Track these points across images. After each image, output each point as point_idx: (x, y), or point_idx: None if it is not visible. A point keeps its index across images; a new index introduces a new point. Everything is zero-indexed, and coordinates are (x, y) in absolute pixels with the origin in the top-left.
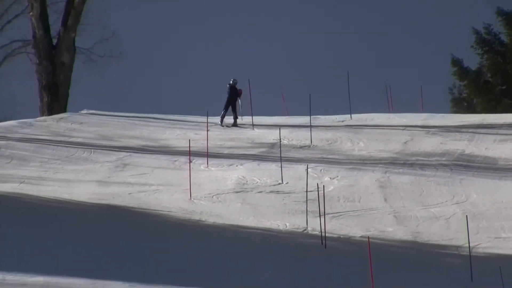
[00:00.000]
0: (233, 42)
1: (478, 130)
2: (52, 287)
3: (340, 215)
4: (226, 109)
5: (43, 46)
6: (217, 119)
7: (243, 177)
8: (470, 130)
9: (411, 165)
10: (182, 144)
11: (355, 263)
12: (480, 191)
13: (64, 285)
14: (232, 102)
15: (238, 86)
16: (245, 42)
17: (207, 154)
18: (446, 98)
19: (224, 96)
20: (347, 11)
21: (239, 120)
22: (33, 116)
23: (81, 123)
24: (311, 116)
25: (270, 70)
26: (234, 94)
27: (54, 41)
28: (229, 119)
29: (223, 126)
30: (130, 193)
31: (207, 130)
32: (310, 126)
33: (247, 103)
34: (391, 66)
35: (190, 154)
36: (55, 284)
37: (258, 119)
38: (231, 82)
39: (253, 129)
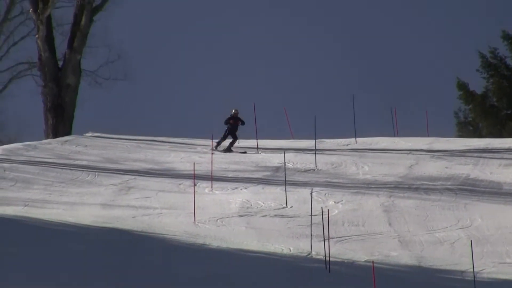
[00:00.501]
0: (239, 66)
1: (483, 155)
2: None
3: (345, 239)
4: (224, 137)
5: (49, 68)
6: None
7: (247, 200)
8: (475, 154)
9: (416, 189)
10: (186, 167)
11: (359, 287)
12: (485, 215)
13: None
14: (231, 131)
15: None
16: (251, 65)
17: (212, 178)
18: (452, 122)
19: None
20: (353, 34)
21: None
22: (38, 138)
23: (86, 145)
24: (316, 140)
25: (276, 94)
26: (234, 123)
27: (60, 63)
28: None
29: (217, 150)
30: (134, 216)
31: (212, 153)
32: (315, 150)
33: (252, 126)
34: (396, 90)
35: (195, 177)
36: None
37: (262, 143)
38: (232, 112)
39: (258, 152)
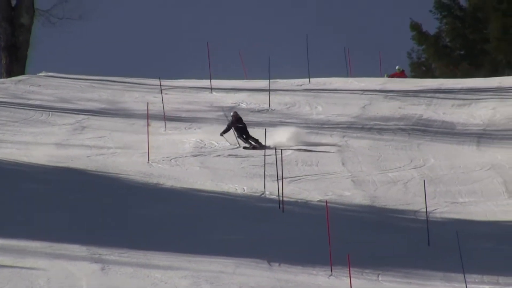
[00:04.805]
0: (194, 4)
1: (436, 95)
2: (8, 250)
3: (298, 179)
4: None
5: (2, 7)
6: (174, 82)
7: (201, 140)
8: (428, 94)
9: (369, 129)
10: (140, 107)
11: (313, 226)
12: (437, 155)
13: (20, 247)
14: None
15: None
16: (206, 4)
17: (164, 117)
18: (405, 62)
19: None
20: None
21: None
22: None
23: (40, 85)
24: (270, 80)
25: (229, 33)
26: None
27: (13, 2)
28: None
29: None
30: (89, 156)
31: (162, 94)
32: (269, 90)
33: (206, 66)
34: (350, 30)
35: (148, 117)
36: (11, 247)
37: (216, 83)
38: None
39: (211, 92)
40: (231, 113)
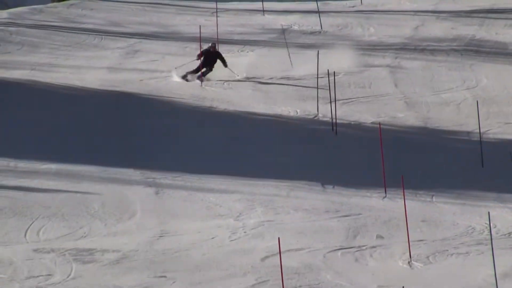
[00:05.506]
0: None
1: (489, 15)
2: (64, 174)
3: (351, 101)
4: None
5: None
6: (227, 5)
7: (254, 63)
8: (481, 15)
9: (422, 50)
10: (192, 30)
11: (366, 149)
12: (490, 76)
13: (75, 172)
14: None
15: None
16: None
17: (217, 40)
18: None
19: None
20: None
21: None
22: (44, 1)
23: (92, 9)
24: (321, 2)
25: None
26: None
27: None
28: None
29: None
30: (141, 80)
31: (216, 16)
32: (318, 12)
33: None
34: None
35: (201, 40)
36: (67, 171)
37: (268, 5)
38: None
39: (263, 15)
40: (210, 44)
